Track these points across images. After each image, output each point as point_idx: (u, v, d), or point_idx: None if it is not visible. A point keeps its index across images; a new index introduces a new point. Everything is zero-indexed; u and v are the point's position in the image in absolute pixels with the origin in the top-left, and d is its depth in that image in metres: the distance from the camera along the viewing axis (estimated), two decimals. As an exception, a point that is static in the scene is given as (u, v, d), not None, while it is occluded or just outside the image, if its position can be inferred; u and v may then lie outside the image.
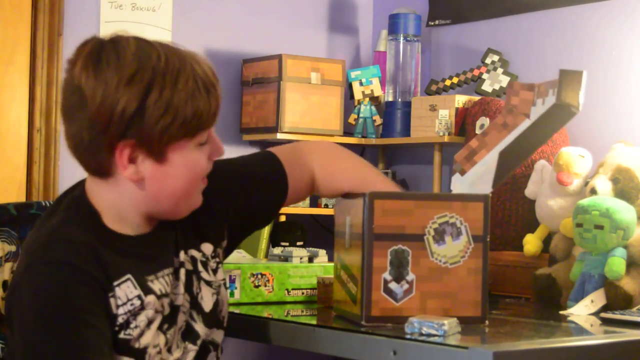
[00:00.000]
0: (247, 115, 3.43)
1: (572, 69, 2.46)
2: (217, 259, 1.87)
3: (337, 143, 3.35)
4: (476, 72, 3.25)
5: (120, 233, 1.73)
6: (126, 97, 1.62)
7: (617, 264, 2.38)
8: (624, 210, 2.42)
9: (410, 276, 1.99)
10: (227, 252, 1.96)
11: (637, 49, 2.89)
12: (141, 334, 1.68)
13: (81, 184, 1.77)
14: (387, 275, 1.98)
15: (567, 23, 3.07)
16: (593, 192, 2.52)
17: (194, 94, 1.66)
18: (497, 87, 3.20)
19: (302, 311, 2.28)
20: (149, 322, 1.69)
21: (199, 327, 1.81)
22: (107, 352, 1.64)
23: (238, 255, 2.64)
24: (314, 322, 2.18)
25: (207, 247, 1.86)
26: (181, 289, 1.77)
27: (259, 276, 2.32)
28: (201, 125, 1.69)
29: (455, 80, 3.31)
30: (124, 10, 3.27)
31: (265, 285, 2.33)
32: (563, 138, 2.86)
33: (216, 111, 1.72)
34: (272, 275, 2.33)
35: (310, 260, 2.43)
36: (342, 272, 2.10)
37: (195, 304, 1.81)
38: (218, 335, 1.86)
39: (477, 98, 3.16)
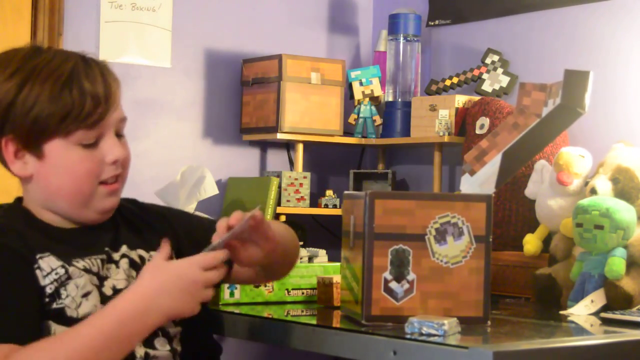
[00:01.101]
0: (247, 115, 3.43)
1: (578, 70, 2.45)
2: None
3: (337, 143, 3.40)
4: (476, 72, 3.25)
5: (54, 226, 1.78)
6: (4, 90, 1.70)
7: (617, 264, 2.38)
8: (624, 210, 2.42)
9: (411, 276, 1.99)
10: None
11: (637, 48, 2.89)
12: (79, 305, 1.71)
13: None
14: (387, 275, 1.98)
15: (567, 23, 3.07)
16: (593, 192, 2.51)
17: (61, 94, 1.70)
18: (497, 87, 3.20)
19: (302, 311, 2.28)
20: (86, 294, 1.72)
21: None
22: (33, 314, 1.66)
23: (238, 255, 2.64)
24: (314, 322, 2.18)
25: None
26: (122, 274, 1.78)
27: (259, 276, 2.32)
28: (75, 124, 1.71)
29: (455, 80, 3.31)
30: (124, 10, 3.26)
31: (265, 285, 2.33)
32: (563, 138, 2.86)
33: (101, 116, 1.72)
34: (272, 275, 2.33)
35: (310, 260, 2.43)
36: (347, 271, 2.11)
37: None
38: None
39: (477, 98, 3.16)
